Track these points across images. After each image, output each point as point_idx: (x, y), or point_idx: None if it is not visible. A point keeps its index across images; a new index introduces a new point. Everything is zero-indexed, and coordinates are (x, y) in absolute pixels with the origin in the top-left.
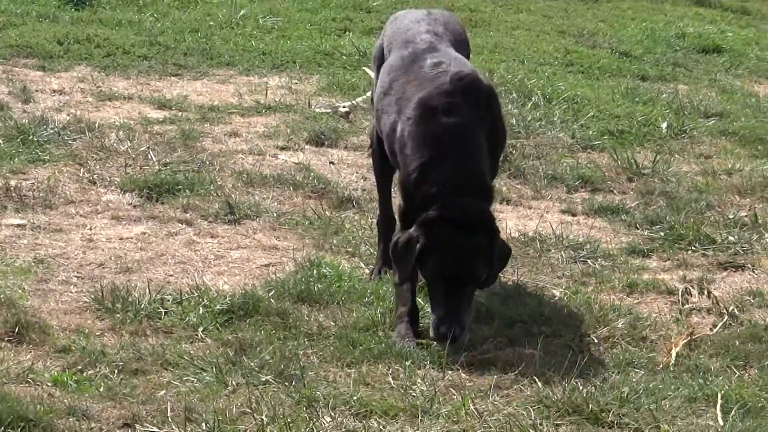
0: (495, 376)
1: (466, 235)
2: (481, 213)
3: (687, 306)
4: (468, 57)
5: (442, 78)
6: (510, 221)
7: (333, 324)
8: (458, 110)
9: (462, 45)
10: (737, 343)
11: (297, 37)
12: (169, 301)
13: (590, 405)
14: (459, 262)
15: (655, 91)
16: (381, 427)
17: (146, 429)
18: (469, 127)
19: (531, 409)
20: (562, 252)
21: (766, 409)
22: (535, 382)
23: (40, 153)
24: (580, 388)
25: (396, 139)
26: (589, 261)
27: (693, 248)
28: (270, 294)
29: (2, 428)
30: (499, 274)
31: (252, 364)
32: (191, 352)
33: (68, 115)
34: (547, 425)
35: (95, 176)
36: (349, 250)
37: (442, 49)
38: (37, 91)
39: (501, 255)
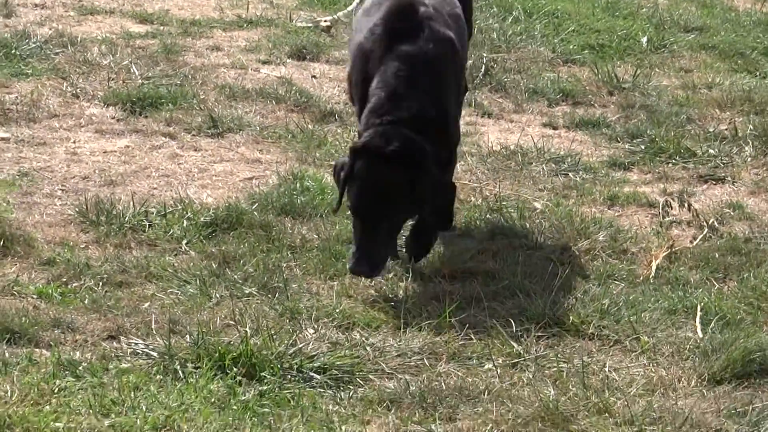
0: (477, 289)
1: (386, 167)
2: (407, 143)
3: (667, 219)
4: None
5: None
6: (492, 135)
7: (316, 237)
8: (411, 42)
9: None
10: (717, 255)
11: None
12: (153, 213)
13: (571, 317)
14: (372, 195)
15: (635, 5)
16: (363, 339)
17: (131, 341)
18: (417, 57)
19: (513, 320)
20: (544, 165)
21: (745, 321)
22: (517, 294)
23: (22, 67)
24: (561, 300)
25: (354, 66)
26: (570, 174)
27: (673, 161)
28: (253, 207)
29: None
30: (451, 215)
31: (235, 276)
32: (175, 264)
33: (50, 29)
34: (527, 337)
35: (78, 90)
36: (332, 163)
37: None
38: (18, 5)
39: (439, 191)
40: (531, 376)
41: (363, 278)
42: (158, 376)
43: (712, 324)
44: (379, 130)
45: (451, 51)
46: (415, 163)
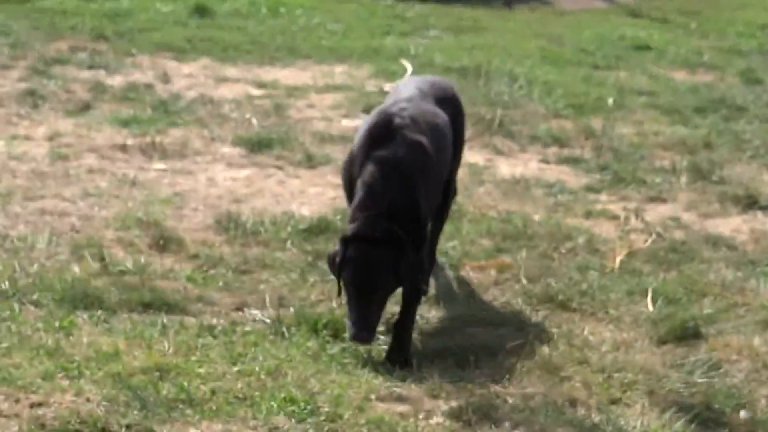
0: (493, 276)
1: (372, 250)
2: (389, 231)
3: (627, 227)
4: (454, 113)
5: (379, 120)
6: (503, 168)
7: None
8: (386, 148)
9: (445, 102)
10: (662, 253)
11: (354, 38)
12: (266, 222)
13: (560, 296)
14: (364, 272)
15: (604, 77)
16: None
17: (251, 311)
18: (391, 162)
19: (519, 299)
20: (540, 189)
21: (682, 299)
22: (521, 280)
23: (175, 119)
24: (553, 284)
25: (346, 168)
26: (558, 196)
27: (631, 187)
28: (337, 218)
29: (153, 310)
30: (424, 283)
31: (325, 267)
32: (282, 258)
33: (195, 92)
34: (530, 310)
35: (214, 135)
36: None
37: (416, 101)
38: (173, 75)
39: (412, 267)
40: (532, 338)
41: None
42: (270, 336)
43: (659, 302)
44: (363, 221)
45: (421, 153)
46: (396, 246)
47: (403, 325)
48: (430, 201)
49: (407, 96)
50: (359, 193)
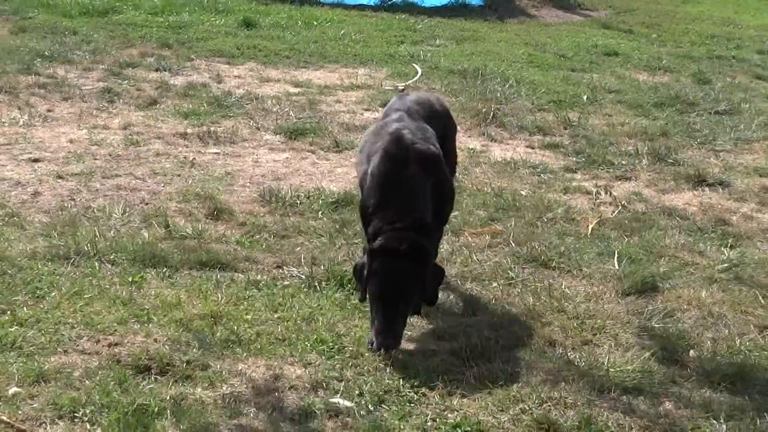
0: (488, 240)
1: (400, 262)
2: (414, 244)
3: (598, 201)
4: (444, 127)
5: (393, 140)
6: (496, 152)
7: None
8: (406, 165)
9: (435, 118)
10: (626, 222)
11: (374, 46)
12: (301, 196)
13: (542, 257)
14: (391, 285)
15: (579, 78)
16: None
17: (290, 269)
18: (413, 178)
19: (509, 259)
20: (526, 170)
21: (642, 260)
22: (511, 244)
23: (227, 112)
24: (536, 247)
25: (363, 183)
26: (541, 175)
27: (601, 168)
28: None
29: (208, 268)
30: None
31: (349, 232)
32: (315, 225)
33: (243, 90)
34: (518, 269)
35: (259, 125)
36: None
37: (406, 118)
38: (225, 76)
39: (434, 277)
40: (519, 291)
41: (383, 352)
42: (305, 289)
43: (623, 261)
44: (390, 234)
45: (433, 166)
46: (422, 259)
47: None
48: (441, 212)
49: (397, 117)
50: (383, 207)
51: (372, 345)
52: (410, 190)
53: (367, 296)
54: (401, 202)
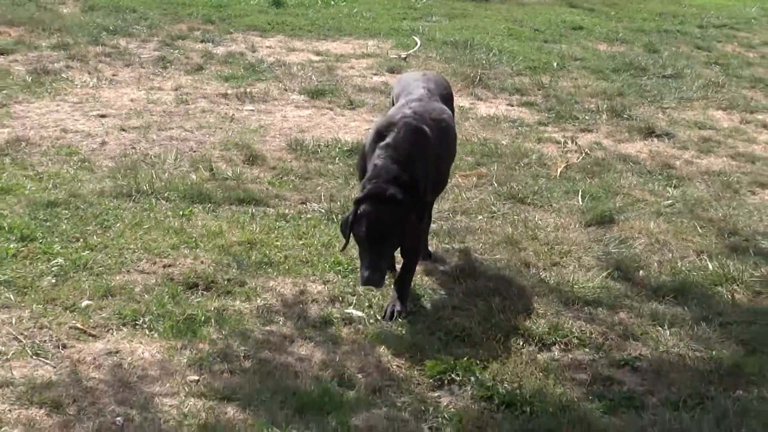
0: (474, 181)
1: (382, 206)
2: (395, 193)
3: (565, 149)
4: (451, 104)
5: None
6: (481, 109)
7: None
8: (392, 137)
9: (446, 97)
10: (588, 166)
11: (381, 22)
12: (321, 145)
13: (519, 194)
14: (375, 225)
15: (551, 48)
16: None
17: (312, 205)
18: (398, 148)
19: (492, 196)
20: (507, 124)
21: (601, 197)
22: (494, 183)
23: (260, 75)
24: (515, 187)
25: (361, 153)
26: (519, 128)
27: (568, 122)
28: None
29: (245, 204)
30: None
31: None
32: (332, 168)
33: (273, 58)
34: (499, 204)
35: (286, 87)
36: None
37: (425, 99)
38: (258, 47)
39: (413, 226)
40: (500, 222)
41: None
42: (324, 221)
43: (586, 198)
44: (375, 187)
45: (422, 138)
46: (401, 204)
47: (402, 282)
48: (431, 180)
49: (418, 96)
50: (370, 168)
51: (362, 278)
52: (393, 156)
53: (355, 239)
54: (381, 165)
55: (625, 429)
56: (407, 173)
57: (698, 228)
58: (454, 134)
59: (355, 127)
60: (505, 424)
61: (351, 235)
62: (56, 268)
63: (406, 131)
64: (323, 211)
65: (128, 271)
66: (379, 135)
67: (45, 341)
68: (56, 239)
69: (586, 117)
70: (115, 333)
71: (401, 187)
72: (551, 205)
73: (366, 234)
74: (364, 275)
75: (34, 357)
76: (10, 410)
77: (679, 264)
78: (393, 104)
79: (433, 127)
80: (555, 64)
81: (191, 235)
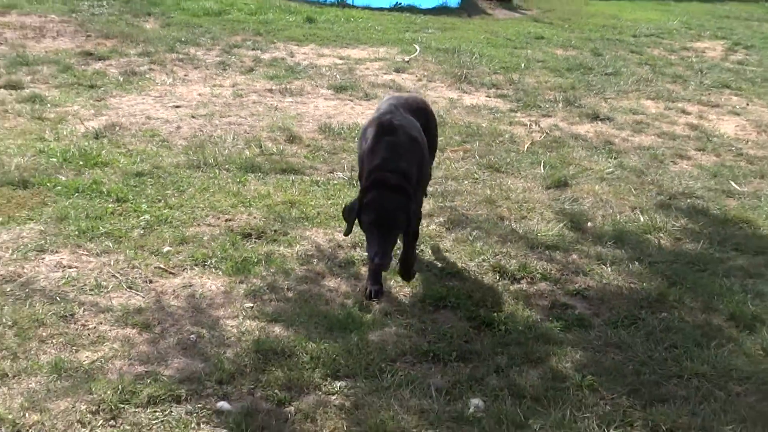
0: (461, 155)
1: (389, 194)
2: (398, 183)
3: (530, 130)
4: (429, 123)
5: (385, 119)
6: (467, 100)
7: None
8: (395, 135)
9: (418, 113)
10: (548, 143)
11: (389, 33)
12: (345, 128)
13: (496, 165)
14: (385, 212)
15: (519, 53)
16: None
17: (337, 173)
18: (400, 143)
19: (474, 166)
20: (486, 111)
21: (558, 166)
22: (476, 157)
23: (297, 75)
24: (492, 158)
25: (360, 156)
26: (495, 114)
27: (532, 109)
28: None
29: (286, 173)
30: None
31: None
32: (353, 146)
33: (307, 62)
34: (480, 172)
35: (317, 84)
36: None
37: (398, 113)
38: (295, 53)
39: (414, 212)
40: (481, 186)
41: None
42: (347, 186)
43: (547, 167)
44: (380, 175)
45: (415, 142)
46: (406, 193)
47: (407, 259)
48: (420, 177)
49: (389, 110)
50: (374, 162)
51: (371, 262)
52: (397, 150)
53: (362, 226)
54: (389, 157)
55: (576, 342)
56: (409, 167)
57: (632, 190)
58: (425, 141)
59: (370, 114)
60: (486, 338)
61: (355, 221)
62: (143, 222)
63: (405, 135)
64: (346, 178)
65: (198, 224)
66: (383, 132)
67: (136, 278)
68: (143, 200)
69: (546, 105)
70: (189, 271)
71: (405, 178)
72: (520, 173)
73: (374, 220)
74: (375, 260)
75: (128, 290)
76: (110, 330)
77: (618, 217)
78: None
79: (418, 134)
80: (522, 65)
81: (245, 196)
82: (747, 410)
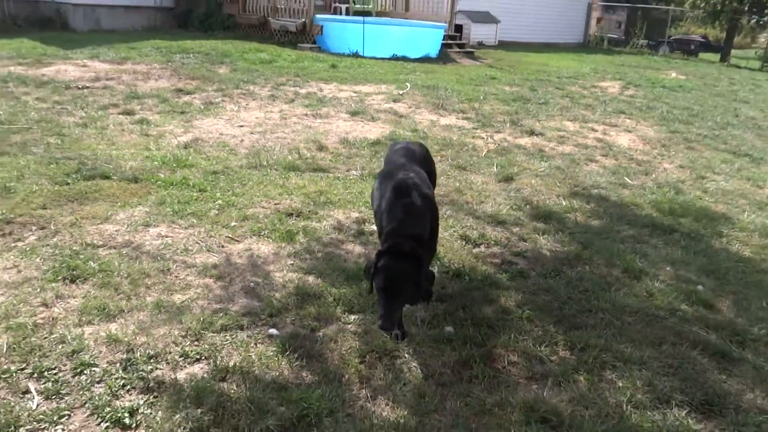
0: (439, 159)
1: (401, 262)
2: (412, 249)
3: (487, 141)
4: (431, 168)
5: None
6: (443, 121)
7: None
8: (411, 197)
9: (424, 161)
10: (500, 150)
11: (389, 75)
12: (357, 140)
13: (463, 165)
14: (393, 280)
15: (479, 89)
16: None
17: (352, 171)
18: (415, 207)
19: (447, 166)
20: (455, 128)
21: (506, 166)
22: (449, 159)
23: (324, 104)
24: (460, 161)
25: (378, 213)
26: (462, 130)
27: (488, 127)
28: (382, 139)
29: (324, 172)
30: (432, 291)
31: (379, 156)
32: (364, 153)
33: (331, 95)
34: (451, 171)
35: (338, 110)
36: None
37: (409, 166)
38: (323, 89)
39: (428, 277)
40: (452, 180)
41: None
42: (359, 180)
43: (499, 167)
44: (396, 241)
45: (428, 199)
46: (417, 259)
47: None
48: (433, 225)
49: (402, 165)
50: (391, 225)
51: (378, 326)
52: (413, 214)
53: (374, 288)
54: (405, 222)
55: (518, 288)
56: (423, 230)
57: (557, 183)
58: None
59: (375, 130)
60: (455, 285)
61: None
62: (217, 205)
63: (420, 196)
64: (359, 174)
65: (255, 207)
66: (400, 193)
67: (212, 244)
68: (217, 190)
69: (498, 125)
70: (249, 239)
71: (419, 243)
72: (480, 171)
73: (384, 286)
74: (379, 322)
75: (207, 252)
76: (194, 280)
77: (548, 202)
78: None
79: (429, 189)
80: (481, 97)
81: (288, 187)
82: (635, 334)
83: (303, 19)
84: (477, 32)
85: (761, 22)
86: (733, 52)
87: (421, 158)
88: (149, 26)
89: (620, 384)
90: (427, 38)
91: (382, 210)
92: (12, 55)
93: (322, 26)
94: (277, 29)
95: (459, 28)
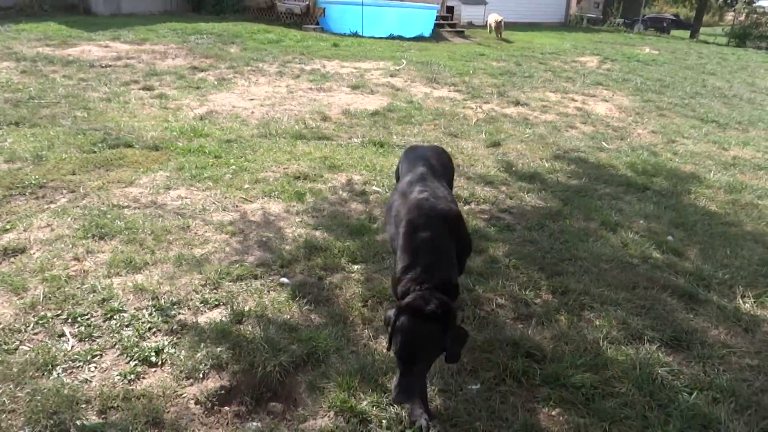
0: (432, 127)
1: (422, 324)
2: (439, 306)
3: (477, 110)
4: (451, 176)
5: (416, 207)
6: (436, 93)
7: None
8: (430, 230)
9: (445, 167)
10: (489, 119)
11: (387, 52)
12: (358, 111)
13: (455, 133)
14: (411, 346)
15: (470, 64)
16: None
17: (354, 138)
18: (437, 241)
19: (440, 133)
20: (448, 99)
21: (494, 133)
22: (442, 128)
23: (328, 79)
24: (452, 129)
25: (393, 244)
26: (454, 101)
27: (477, 98)
28: (382, 110)
29: (321, 139)
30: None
31: (379, 125)
32: (364, 122)
33: (333, 71)
34: (444, 137)
35: (341, 84)
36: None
37: (429, 181)
38: (326, 66)
39: (457, 339)
40: (445, 145)
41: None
42: (360, 146)
43: (487, 134)
44: (418, 294)
45: (453, 220)
46: (444, 320)
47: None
48: (461, 251)
49: (420, 178)
50: (411, 273)
51: (392, 397)
52: (435, 252)
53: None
54: (428, 264)
55: (505, 240)
56: (444, 273)
57: (541, 147)
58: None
59: (374, 101)
60: None
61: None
62: (232, 170)
63: (435, 225)
64: (359, 141)
65: (266, 171)
66: (413, 229)
67: (228, 204)
68: (231, 157)
69: (486, 96)
70: (261, 199)
71: (448, 293)
72: (470, 138)
73: (400, 353)
74: (393, 394)
75: (223, 211)
76: (212, 235)
77: (532, 164)
78: (397, 179)
79: (453, 204)
80: (471, 71)
81: (296, 154)
82: (611, 279)
83: (307, 2)
84: (467, 13)
85: (728, 1)
86: (702, 29)
87: (444, 164)
88: (165, 10)
89: (597, 323)
90: (421, 19)
91: (400, 243)
92: (40, 38)
93: (324, 9)
94: (283, 12)
95: (450, 9)
